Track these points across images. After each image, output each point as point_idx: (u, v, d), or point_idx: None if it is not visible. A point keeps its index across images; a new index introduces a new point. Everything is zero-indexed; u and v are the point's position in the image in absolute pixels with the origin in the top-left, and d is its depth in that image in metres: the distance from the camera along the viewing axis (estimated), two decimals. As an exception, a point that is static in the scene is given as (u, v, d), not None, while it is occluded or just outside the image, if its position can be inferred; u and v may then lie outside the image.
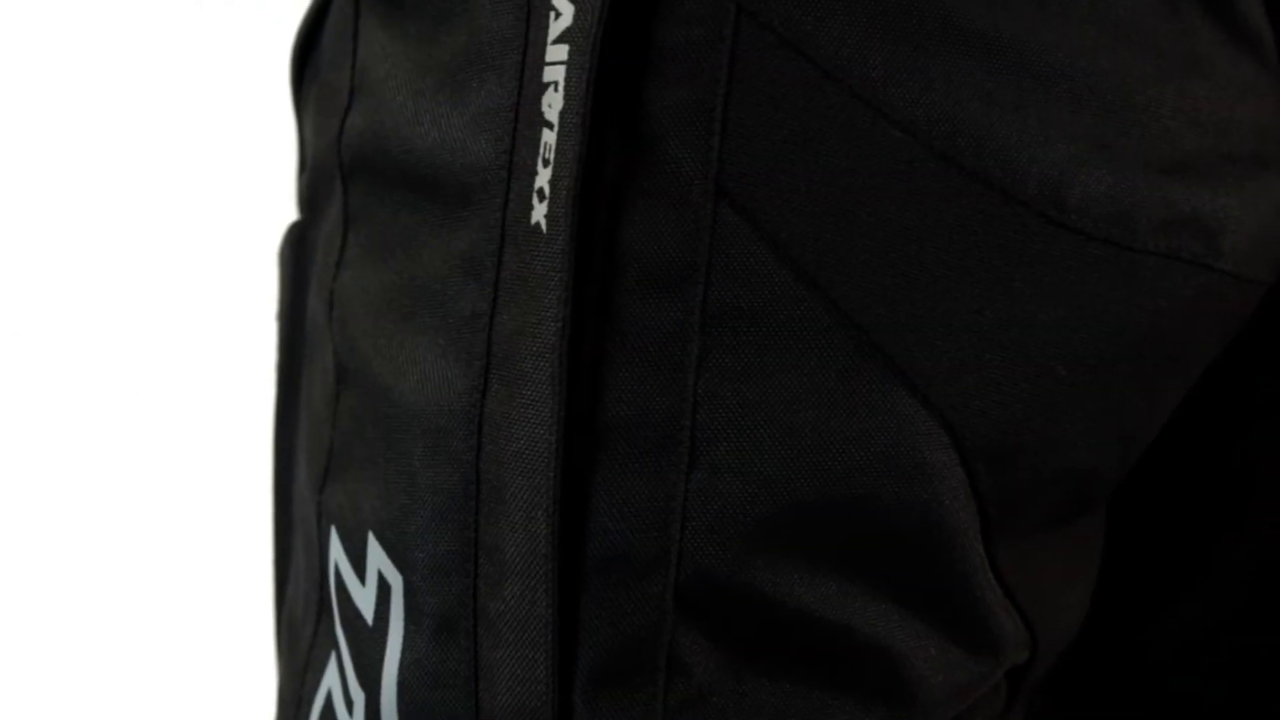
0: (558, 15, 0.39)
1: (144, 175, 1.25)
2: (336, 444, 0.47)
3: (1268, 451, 0.52)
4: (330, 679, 0.47)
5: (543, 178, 0.39)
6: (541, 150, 0.39)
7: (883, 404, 0.40)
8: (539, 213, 0.40)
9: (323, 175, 0.48)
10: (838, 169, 0.38)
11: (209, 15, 1.22)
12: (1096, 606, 0.50)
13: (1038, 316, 0.40)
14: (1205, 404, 0.48)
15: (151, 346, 1.30)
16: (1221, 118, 0.40)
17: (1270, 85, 0.41)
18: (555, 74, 0.39)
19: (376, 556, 0.44)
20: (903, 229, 0.38)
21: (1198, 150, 0.40)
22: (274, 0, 1.10)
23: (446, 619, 0.43)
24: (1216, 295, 0.43)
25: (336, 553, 0.46)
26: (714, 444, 0.40)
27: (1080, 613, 0.49)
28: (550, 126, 0.39)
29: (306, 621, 0.50)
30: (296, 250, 0.51)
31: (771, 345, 0.39)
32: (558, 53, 0.39)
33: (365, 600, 0.45)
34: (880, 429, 0.40)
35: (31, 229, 1.40)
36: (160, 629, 1.39)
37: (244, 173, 1.20)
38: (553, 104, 0.39)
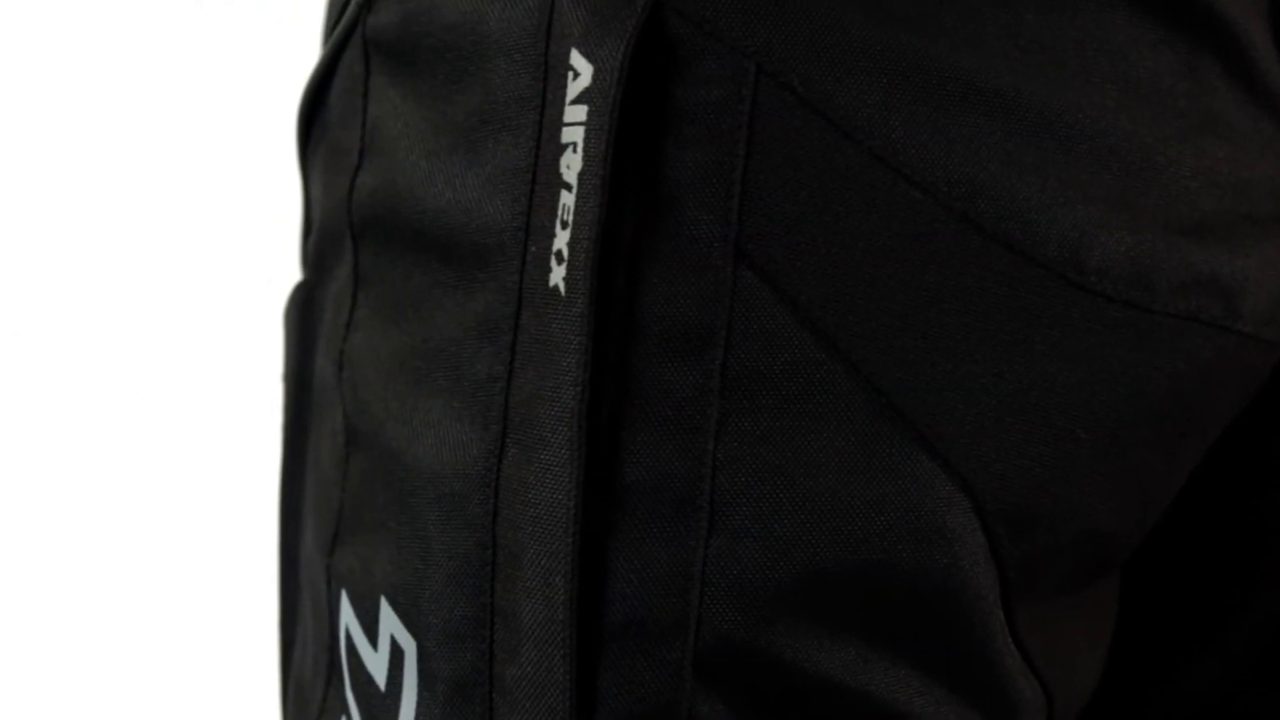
0: (576, 75, 0.39)
1: (144, 176, 1.25)
2: (347, 507, 0.47)
3: None
4: None
5: (561, 240, 0.39)
6: (560, 212, 0.39)
7: (903, 468, 0.40)
8: (557, 275, 0.39)
9: (331, 235, 0.48)
10: (857, 231, 0.38)
11: (208, 15, 1.22)
12: (1111, 667, 0.50)
13: (1058, 379, 0.40)
14: (1222, 465, 0.48)
15: (150, 347, 1.30)
16: (1240, 178, 0.40)
17: None
18: (574, 135, 0.39)
19: (389, 621, 0.44)
20: (922, 291, 0.38)
21: (1216, 211, 0.40)
22: (274, 0, 1.14)
23: (461, 685, 0.42)
24: (1235, 357, 0.43)
25: (347, 616, 0.46)
26: (734, 508, 0.40)
27: (1095, 675, 0.49)
28: (569, 188, 0.39)
29: (315, 685, 0.49)
30: (303, 311, 0.51)
31: (791, 409, 0.39)
32: (576, 113, 0.39)
33: (377, 665, 0.44)
34: (900, 493, 0.40)
35: (31, 230, 1.39)
36: (159, 631, 1.38)
37: (243, 173, 1.21)
38: (571, 165, 0.39)
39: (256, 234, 1.21)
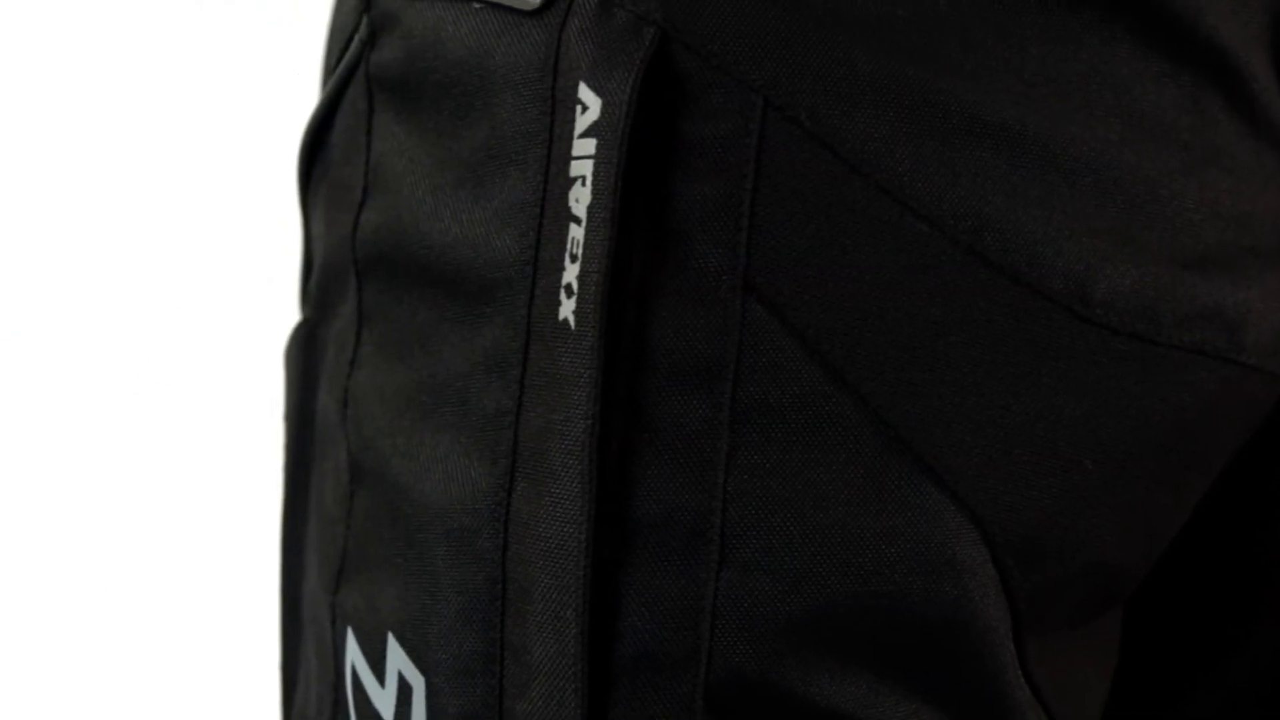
0: (584, 109, 0.39)
1: (144, 176, 1.25)
2: (351, 544, 0.47)
3: None
4: None
5: (571, 273, 0.39)
6: (569, 245, 0.39)
7: (912, 500, 0.40)
8: (567, 308, 0.40)
9: (335, 272, 0.48)
10: (865, 264, 0.38)
11: (208, 16, 1.22)
12: (1114, 698, 0.50)
13: (1065, 411, 0.40)
14: (1224, 497, 0.48)
15: (150, 348, 1.30)
16: (1243, 210, 0.40)
17: None
18: (583, 168, 0.39)
19: (397, 658, 0.44)
20: (929, 324, 0.38)
21: (1219, 243, 0.40)
22: (274, 0, 1.14)
23: None
24: (1238, 389, 0.43)
25: (353, 654, 0.46)
26: (744, 541, 0.40)
27: (1100, 706, 0.49)
28: (578, 221, 0.39)
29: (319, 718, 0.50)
30: (304, 350, 0.51)
31: (800, 441, 0.39)
32: (585, 147, 0.39)
33: (385, 702, 0.45)
34: (909, 525, 0.40)
35: (31, 231, 1.38)
36: (158, 632, 1.38)
37: (244, 173, 1.20)
38: (580, 199, 0.39)
39: (257, 234, 1.21)
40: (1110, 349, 0.40)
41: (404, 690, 0.44)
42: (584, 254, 0.39)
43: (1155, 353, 0.41)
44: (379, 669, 0.45)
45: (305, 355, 0.51)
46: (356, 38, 0.47)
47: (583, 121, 0.39)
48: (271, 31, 1.15)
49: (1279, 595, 0.53)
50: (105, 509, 1.42)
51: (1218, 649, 0.55)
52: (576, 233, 0.39)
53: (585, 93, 0.39)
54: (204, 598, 1.40)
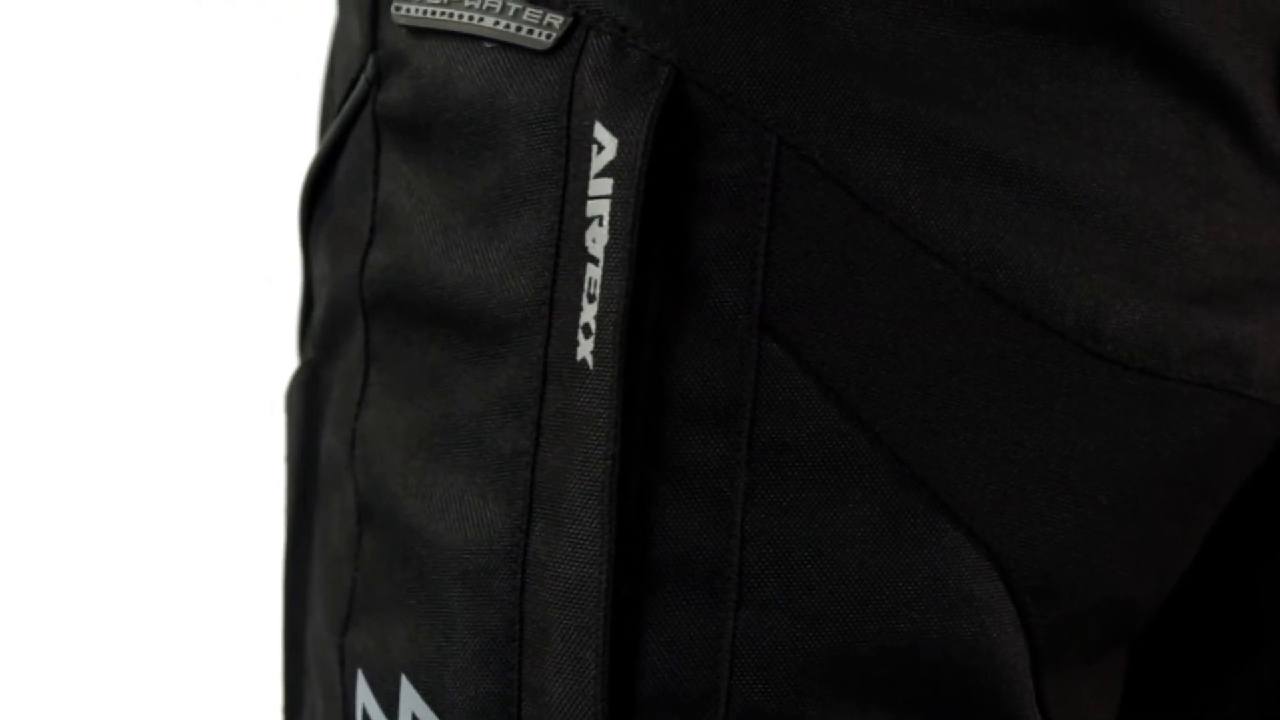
0: (600, 149, 0.39)
1: (144, 176, 1.25)
2: (359, 585, 0.47)
3: None
4: None
5: (588, 313, 0.40)
6: (586, 285, 0.40)
7: (928, 538, 0.40)
8: (585, 349, 0.40)
9: (340, 313, 0.48)
10: (879, 302, 0.38)
11: (209, 15, 1.22)
12: None
13: (1078, 446, 0.41)
14: (1228, 530, 0.49)
15: (150, 347, 1.29)
16: (1249, 244, 0.41)
17: None
18: (599, 208, 0.39)
19: (410, 700, 0.44)
20: (943, 361, 0.39)
21: (1226, 277, 0.41)
22: (274, 1, 1.13)
23: None
24: (1246, 422, 0.44)
25: (364, 697, 0.46)
26: (762, 580, 0.41)
27: None
28: (595, 261, 0.39)
29: None
30: (307, 390, 0.51)
31: (817, 480, 0.40)
32: (601, 187, 0.39)
33: None
34: (926, 562, 0.40)
35: (31, 231, 1.37)
36: (156, 633, 1.37)
37: (243, 173, 1.21)
38: (598, 239, 0.39)
39: (257, 234, 1.21)
40: (1121, 384, 0.41)
41: None
42: (602, 294, 0.39)
43: (1165, 387, 0.41)
44: (392, 711, 0.45)
45: (308, 396, 0.51)
46: (362, 78, 0.47)
47: (599, 161, 0.40)
48: (272, 31, 1.15)
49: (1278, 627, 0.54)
50: (105, 509, 1.40)
51: (1221, 681, 0.55)
52: (594, 273, 0.40)
53: (601, 132, 0.40)
54: (201, 594, 1.38)
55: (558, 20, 0.41)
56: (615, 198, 0.39)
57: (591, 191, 0.40)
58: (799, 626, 0.41)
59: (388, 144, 0.46)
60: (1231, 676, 0.56)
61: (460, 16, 0.43)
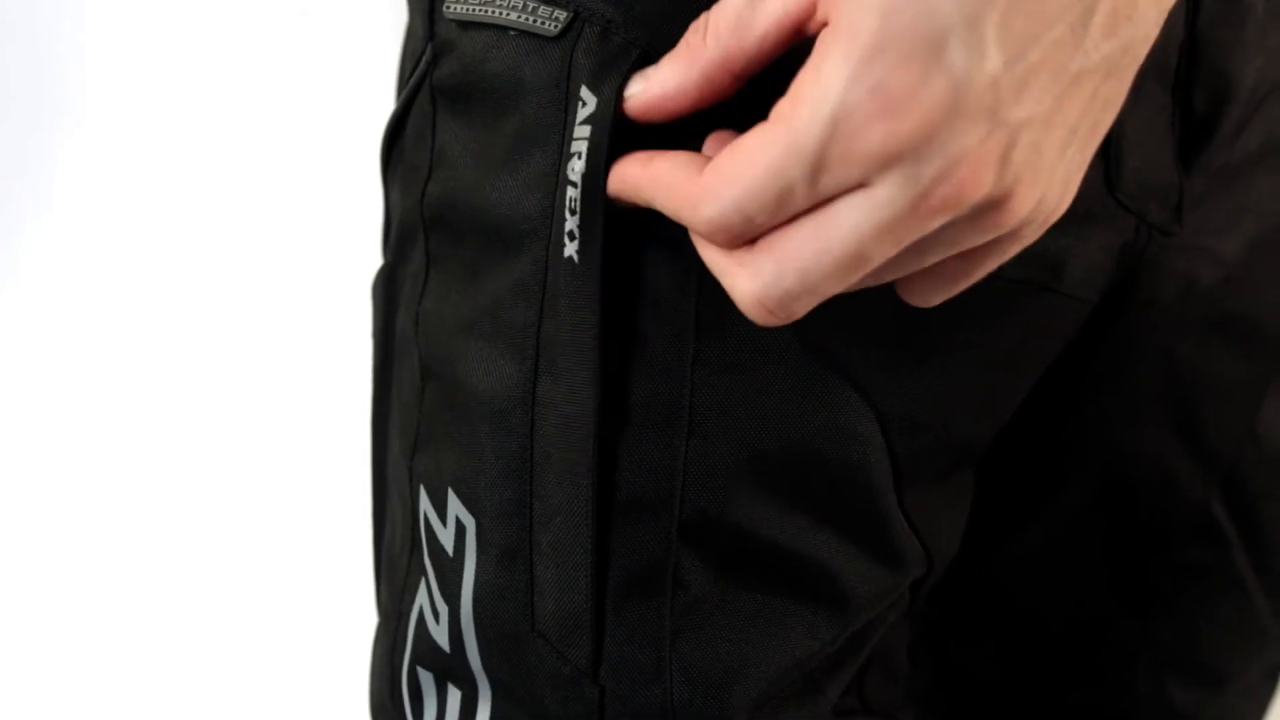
0: (584, 104, 0.45)
1: (147, 174, 1.23)
2: (422, 425, 0.53)
3: (1090, 424, 0.60)
4: (422, 598, 0.53)
5: (572, 223, 0.45)
6: (569, 203, 0.45)
7: (827, 391, 0.47)
8: (571, 249, 0.45)
9: (408, 229, 0.54)
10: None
11: (209, 15, 1.22)
12: (966, 536, 0.58)
13: (938, 328, 0.48)
14: (1050, 390, 0.55)
15: (152, 345, 1.28)
16: None
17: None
18: (579, 146, 0.45)
19: (455, 505, 0.51)
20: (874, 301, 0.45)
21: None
22: (273, 0, 1.21)
23: (509, 550, 0.49)
24: (1058, 310, 0.50)
25: (425, 504, 0.52)
26: (706, 418, 0.47)
27: (957, 540, 0.56)
28: (575, 185, 0.45)
29: (403, 555, 0.55)
30: (387, 285, 0.58)
31: (746, 348, 0.46)
32: (583, 131, 0.45)
33: (447, 538, 0.51)
34: (825, 408, 0.47)
35: (31, 230, 1.36)
36: (158, 633, 1.41)
37: (246, 173, 1.19)
38: (575, 168, 0.45)
39: (261, 232, 1.20)
40: (994, 290, 0.47)
41: (460, 529, 0.50)
42: (581, 209, 0.45)
43: (999, 285, 0.47)
44: (442, 514, 0.51)
45: (387, 288, 0.57)
46: (424, 59, 0.52)
47: (582, 113, 0.45)
48: (271, 30, 1.11)
49: (1080, 463, 0.61)
50: (105, 507, 1.44)
51: (1037, 500, 0.63)
52: (573, 194, 0.45)
53: (585, 93, 0.45)
54: (204, 592, 1.41)
55: (562, 15, 0.46)
56: (591, 139, 0.44)
57: (575, 135, 0.45)
58: (732, 449, 0.47)
59: (441, 107, 0.52)
60: (1050, 494, 0.63)
61: (493, 12, 0.48)
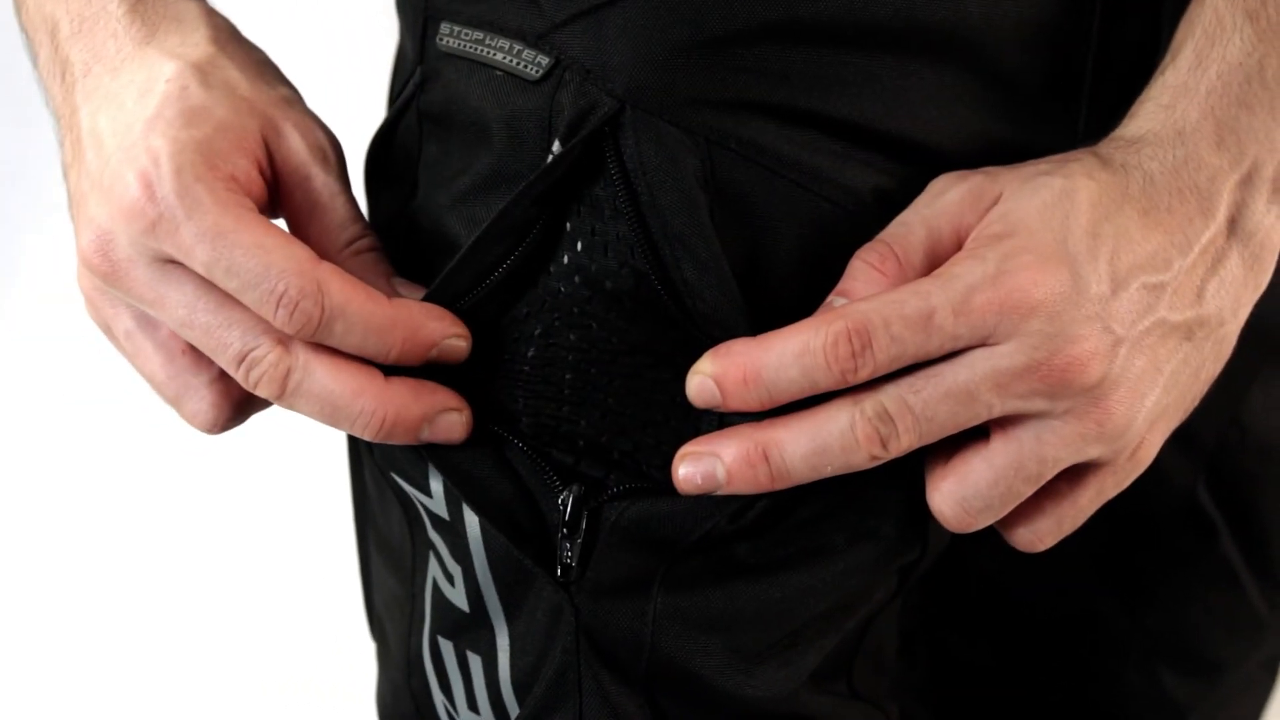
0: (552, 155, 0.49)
1: None
2: None
3: None
4: (434, 570, 0.56)
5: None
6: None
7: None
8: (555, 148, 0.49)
9: (390, 236, 0.57)
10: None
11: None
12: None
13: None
14: None
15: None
16: None
17: None
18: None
19: (433, 475, 0.54)
20: None
21: None
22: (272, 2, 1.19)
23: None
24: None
25: (406, 488, 0.55)
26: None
27: (948, 533, 0.58)
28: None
29: (404, 541, 0.58)
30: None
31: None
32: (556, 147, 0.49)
33: (438, 506, 0.54)
34: None
35: (31, 230, 1.42)
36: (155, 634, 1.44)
37: None
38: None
39: None
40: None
41: (450, 494, 0.53)
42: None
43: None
44: (425, 488, 0.54)
45: None
46: (413, 81, 0.55)
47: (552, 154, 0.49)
48: (272, 30, 1.08)
49: None
50: (103, 506, 1.47)
51: None
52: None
53: (556, 146, 0.49)
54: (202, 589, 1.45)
55: (545, 61, 0.49)
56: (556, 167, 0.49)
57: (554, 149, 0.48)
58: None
59: (426, 129, 0.55)
60: None
61: (481, 51, 0.51)
